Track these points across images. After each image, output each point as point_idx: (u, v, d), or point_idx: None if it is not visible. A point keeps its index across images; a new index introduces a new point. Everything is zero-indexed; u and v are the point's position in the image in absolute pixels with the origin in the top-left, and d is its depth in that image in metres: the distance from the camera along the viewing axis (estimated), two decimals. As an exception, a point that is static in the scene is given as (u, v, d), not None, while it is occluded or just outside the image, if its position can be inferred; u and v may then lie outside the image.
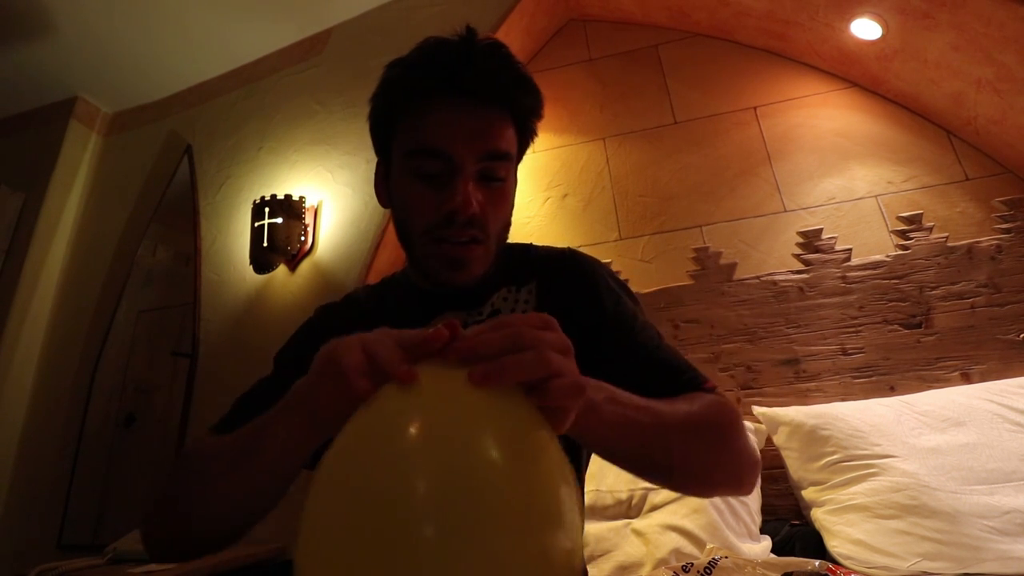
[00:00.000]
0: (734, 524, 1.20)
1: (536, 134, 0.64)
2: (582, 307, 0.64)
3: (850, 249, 1.60)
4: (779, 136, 1.78)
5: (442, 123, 0.56)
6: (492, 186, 0.59)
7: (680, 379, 0.59)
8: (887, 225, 1.60)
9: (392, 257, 1.86)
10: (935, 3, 1.37)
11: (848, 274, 1.57)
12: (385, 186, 0.65)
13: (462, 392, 0.31)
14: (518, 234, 1.92)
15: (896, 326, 1.50)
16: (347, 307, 0.72)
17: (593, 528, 1.21)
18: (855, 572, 0.99)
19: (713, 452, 0.53)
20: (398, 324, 0.65)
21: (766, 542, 1.23)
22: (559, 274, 0.68)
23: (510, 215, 0.64)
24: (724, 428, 0.55)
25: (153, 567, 1.24)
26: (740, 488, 0.57)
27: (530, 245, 0.73)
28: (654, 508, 1.23)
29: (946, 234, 1.54)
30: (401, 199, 0.61)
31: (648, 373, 0.60)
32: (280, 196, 1.91)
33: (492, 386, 0.31)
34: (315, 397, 0.39)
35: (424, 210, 0.58)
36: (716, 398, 0.57)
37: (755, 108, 1.83)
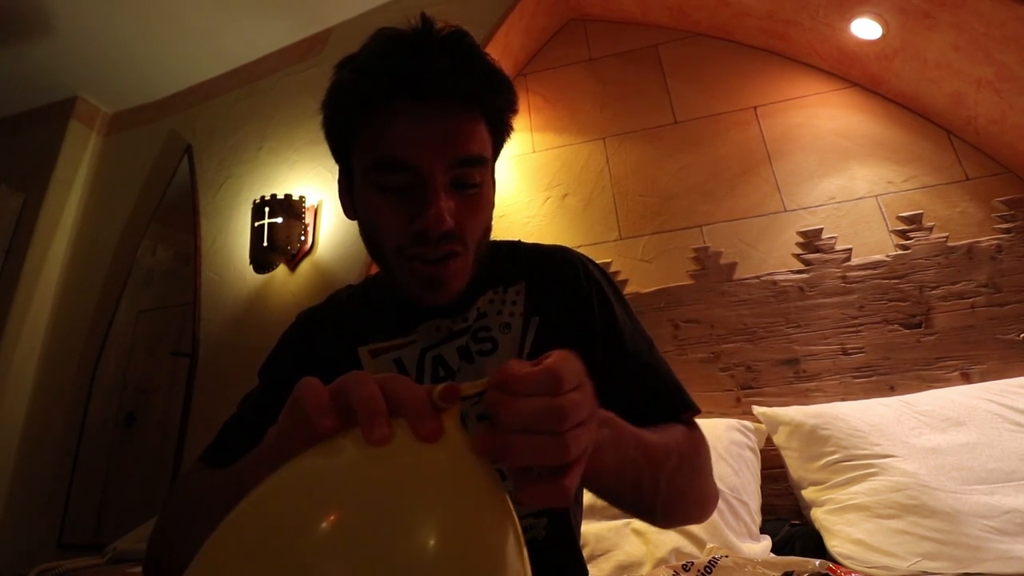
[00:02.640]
0: (734, 524, 1.20)
1: (512, 130, 0.59)
2: (573, 310, 0.62)
3: (850, 249, 1.60)
4: (779, 136, 1.78)
5: (404, 131, 0.50)
6: (467, 193, 0.53)
7: (666, 402, 0.59)
8: (887, 225, 1.60)
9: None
10: (935, 3, 1.37)
11: (848, 274, 1.57)
12: (349, 197, 0.60)
13: (423, 468, 0.26)
14: (518, 234, 1.91)
15: (896, 326, 1.50)
16: (330, 310, 0.70)
17: (593, 528, 1.21)
18: (855, 572, 0.99)
19: (692, 491, 0.54)
20: (380, 329, 0.64)
21: (766, 542, 1.23)
22: (549, 274, 0.64)
23: (489, 220, 0.59)
24: (703, 469, 0.56)
25: (153, 567, 1.24)
26: (701, 519, 0.58)
27: (518, 243, 0.69)
28: (654, 508, 1.22)
29: (946, 234, 1.54)
30: (367, 215, 0.55)
31: (635, 390, 0.58)
32: (280, 196, 1.91)
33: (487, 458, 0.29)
34: (282, 443, 0.33)
35: (393, 228, 0.52)
36: (697, 435, 0.58)
37: (755, 108, 1.83)
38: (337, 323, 0.67)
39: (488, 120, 0.55)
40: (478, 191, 0.54)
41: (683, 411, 0.59)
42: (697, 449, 0.56)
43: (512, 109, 0.57)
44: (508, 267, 0.65)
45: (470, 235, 0.55)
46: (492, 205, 0.60)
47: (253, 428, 0.59)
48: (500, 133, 0.58)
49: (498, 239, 0.69)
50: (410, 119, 0.50)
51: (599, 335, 0.61)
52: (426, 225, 0.50)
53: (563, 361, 0.32)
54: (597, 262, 0.70)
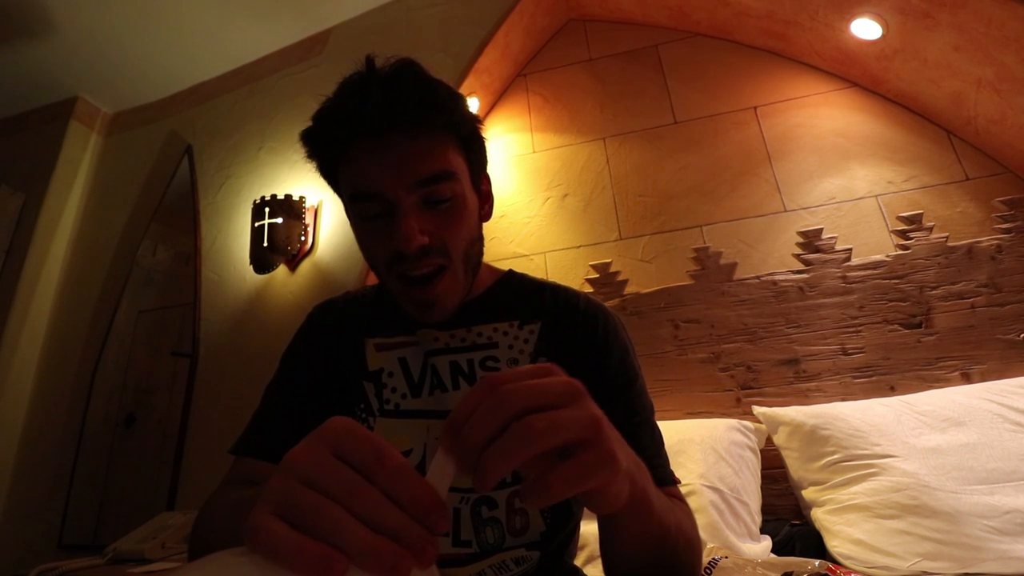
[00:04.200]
0: (734, 524, 1.20)
1: (482, 139, 0.63)
2: (585, 356, 0.63)
3: (850, 249, 1.60)
4: (779, 136, 1.78)
5: (366, 164, 0.55)
6: (440, 208, 0.57)
7: (653, 464, 0.58)
8: (887, 225, 1.60)
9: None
10: (935, 3, 1.37)
11: (848, 274, 1.57)
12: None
13: None
14: (518, 234, 1.92)
15: (896, 326, 1.50)
16: (344, 303, 0.73)
17: (594, 528, 1.21)
18: (855, 572, 0.99)
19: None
20: (387, 325, 0.67)
21: (766, 542, 1.23)
22: (568, 318, 0.66)
23: (474, 230, 0.62)
24: (695, 562, 0.52)
25: (153, 567, 1.24)
26: None
27: (544, 283, 0.71)
28: (654, 508, 1.22)
29: (946, 234, 1.54)
30: (358, 241, 0.61)
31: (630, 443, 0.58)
32: (280, 196, 1.91)
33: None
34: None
35: (378, 251, 0.58)
36: (693, 516, 0.55)
37: (755, 108, 1.83)
38: (348, 315, 0.71)
39: (453, 135, 0.58)
40: (451, 204, 0.57)
41: (667, 480, 0.58)
42: (697, 542, 0.53)
43: (467, 121, 0.59)
44: (529, 305, 0.67)
45: (453, 247, 0.58)
46: (476, 216, 0.62)
47: (277, 415, 0.64)
48: (470, 145, 0.60)
49: (525, 274, 0.73)
50: (368, 154, 0.55)
51: (611, 383, 0.62)
52: (397, 247, 0.55)
53: (525, 371, 0.30)
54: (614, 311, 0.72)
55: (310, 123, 0.59)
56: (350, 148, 0.56)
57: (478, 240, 0.63)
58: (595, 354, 0.63)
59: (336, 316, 0.71)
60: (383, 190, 0.55)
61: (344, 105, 0.56)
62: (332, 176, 0.62)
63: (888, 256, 1.56)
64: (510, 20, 1.89)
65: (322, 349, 0.68)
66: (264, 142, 2.18)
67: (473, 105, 1.95)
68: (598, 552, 1.22)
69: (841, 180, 1.68)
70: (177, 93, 2.47)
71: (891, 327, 1.50)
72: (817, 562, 0.82)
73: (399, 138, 0.55)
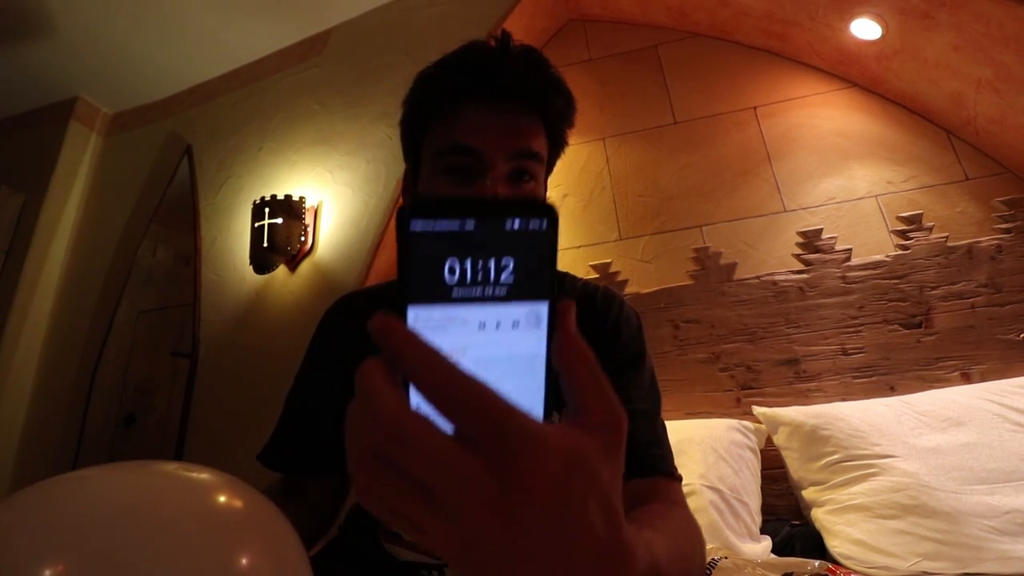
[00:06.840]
0: (734, 524, 1.20)
1: (567, 143, 0.65)
2: (602, 336, 0.65)
3: (850, 249, 1.60)
4: (779, 136, 1.78)
5: (474, 122, 0.57)
6: (522, 185, 0.59)
7: (650, 452, 0.58)
8: (887, 225, 1.60)
9: (392, 257, 1.86)
10: (935, 3, 1.37)
11: (848, 274, 1.57)
12: (412, 191, 0.66)
13: None
14: (518, 234, 1.92)
15: (896, 326, 1.50)
16: (368, 299, 0.73)
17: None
18: (855, 572, 0.99)
19: None
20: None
21: (766, 542, 1.23)
22: (588, 305, 0.68)
23: None
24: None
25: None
26: None
27: (566, 274, 0.74)
28: (654, 508, 1.22)
29: (946, 234, 1.54)
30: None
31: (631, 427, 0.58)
32: (280, 196, 1.91)
33: None
34: None
35: None
36: (692, 521, 0.53)
37: (755, 108, 1.83)
38: (373, 310, 0.69)
39: (547, 126, 0.60)
40: (532, 187, 0.60)
41: (667, 470, 0.58)
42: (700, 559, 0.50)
43: (570, 120, 0.62)
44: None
45: None
46: None
47: (301, 422, 0.64)
48: (556, 142, 0.63)
49: None
50: (481, 111, 0.57)
51: (619, 357, 0.64)
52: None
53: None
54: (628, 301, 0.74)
55: (428, 70, 0.61)
56: (461, 101, 0.57)
57: None
58: (610, 332, 0.66)
59: (359, 310, 0.70)
60: (484, 148, 0.56)
61: (478, 61, 0.57)
62: (419, 126, 0.62)
63: (888, 256, 1.56)
64: (510, 20, 1.88)
65: (349, 344, 0.67)
66: (264, 142, 2.18)
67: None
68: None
69: (841, 180, 1.68)
70: (177, 93, 2.48)
71: (891, 327, 1.50)
72: (817, 562, 0.82)
73: (516, 110, 0.57)
